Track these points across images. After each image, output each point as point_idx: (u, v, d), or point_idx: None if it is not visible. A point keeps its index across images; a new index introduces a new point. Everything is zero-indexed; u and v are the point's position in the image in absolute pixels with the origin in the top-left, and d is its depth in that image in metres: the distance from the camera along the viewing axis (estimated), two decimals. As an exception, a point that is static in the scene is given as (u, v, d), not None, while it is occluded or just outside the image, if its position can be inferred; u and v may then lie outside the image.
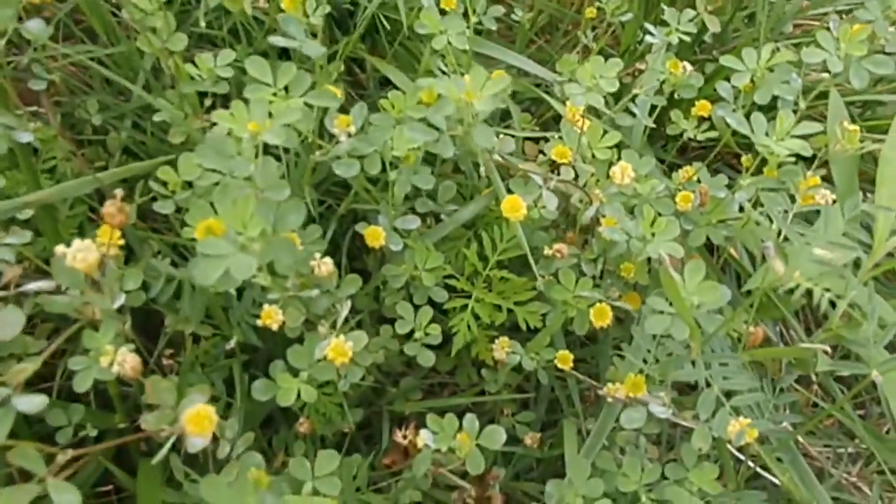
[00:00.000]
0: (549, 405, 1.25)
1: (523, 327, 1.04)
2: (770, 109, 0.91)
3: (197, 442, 0.63)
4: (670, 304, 0.76)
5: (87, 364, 0.71)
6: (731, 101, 0.98)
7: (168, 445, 0.67)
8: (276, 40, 0.75)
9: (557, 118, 1.32)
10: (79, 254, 0.60)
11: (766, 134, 0.84)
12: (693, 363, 0.80)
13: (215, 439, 0.80)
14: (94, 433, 0.91)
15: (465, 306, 1.03)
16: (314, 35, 0.81)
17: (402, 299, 1.02)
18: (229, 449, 0.79)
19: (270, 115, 0.65)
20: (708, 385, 0.81)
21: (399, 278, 1.00)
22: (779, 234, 0.82)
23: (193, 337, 1.01)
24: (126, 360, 0.71)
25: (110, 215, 0.75)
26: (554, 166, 1.02)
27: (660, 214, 0.88)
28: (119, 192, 0.77)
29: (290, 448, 1.09)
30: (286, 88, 0.71)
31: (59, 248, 0.61)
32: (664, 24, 1.13)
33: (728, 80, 0.98)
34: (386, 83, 1.28)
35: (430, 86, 0.75)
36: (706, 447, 0.83)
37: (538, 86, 1.26)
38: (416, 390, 1.22)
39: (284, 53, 1.23)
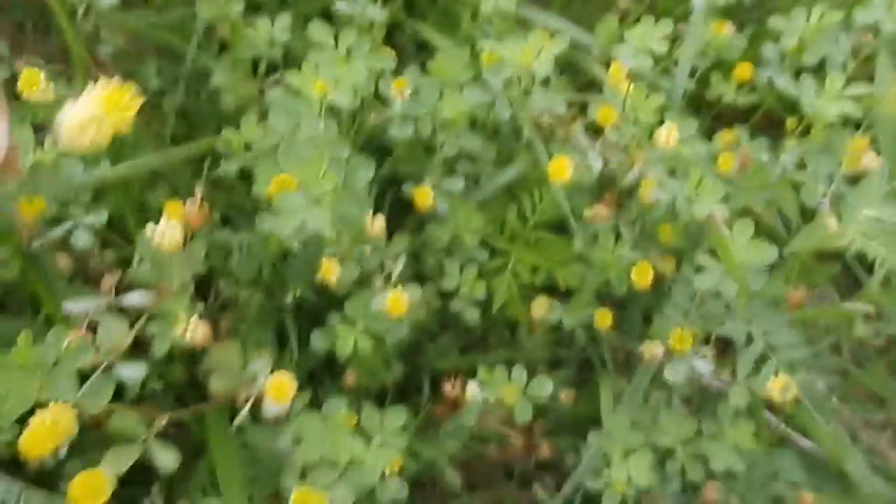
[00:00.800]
0: (579, 366, 1.28)
1: (562, 287, 1.07)
2: (814, 72, 0.92)
3: (275, 408, 0.68)
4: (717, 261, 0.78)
5: (164, 329, 0.75)
6: (777, 62, 0.99)
7: (246, 409, 0.71)
8: (341, 6, 0.77)
9: (592, 82, 1.34)
10: (165, 233, 0.63)
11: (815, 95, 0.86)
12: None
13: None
14: (159, 386, 0.95)
15: (505, 266, 1.06)
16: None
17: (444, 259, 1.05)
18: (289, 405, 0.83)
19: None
20: (751, 341, 0.83)
21: (442, 238, 1.03)
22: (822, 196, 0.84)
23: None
24: (197, 329, 0.74)
25: (192, 216, 0.78)
26: (592, 129, 1.04)
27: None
28: (199, 190, 0.80)
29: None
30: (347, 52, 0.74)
31: (149, 228, 0.64)
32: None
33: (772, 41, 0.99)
34: (424, 47, 1.30)
35: (492, 48, 0.77)
36: (743, 403, 0.86)
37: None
38: (451, 348, 1.25)
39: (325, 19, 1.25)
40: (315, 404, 1.11)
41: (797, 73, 0.90)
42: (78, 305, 0.70)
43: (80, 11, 0.76)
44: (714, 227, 0.74)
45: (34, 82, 0.76)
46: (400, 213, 1.19)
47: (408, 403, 1.22)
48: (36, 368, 0.54)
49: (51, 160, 0.80)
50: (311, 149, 0.67)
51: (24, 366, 0.50)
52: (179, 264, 0.69)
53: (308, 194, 0.60)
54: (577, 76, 1.37)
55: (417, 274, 1.13)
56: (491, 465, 1.24)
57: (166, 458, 0.69)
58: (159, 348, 0.75)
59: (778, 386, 0.80)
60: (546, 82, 0.81)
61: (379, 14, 0.80)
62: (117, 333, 0.67)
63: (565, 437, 1.22)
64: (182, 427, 1.01)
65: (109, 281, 0.73)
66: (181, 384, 1.06)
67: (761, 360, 0.84)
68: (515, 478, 1.22)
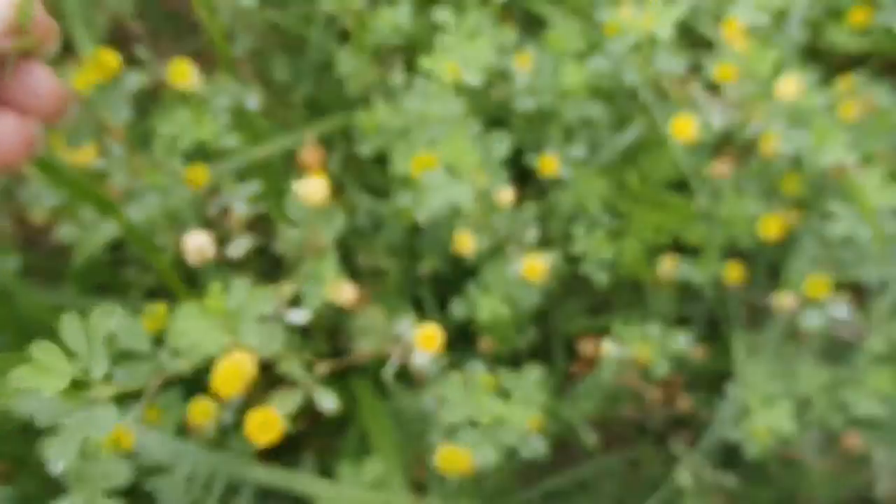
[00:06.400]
0: (705, 324, 1.29)
1: (687, 246, 1.09)
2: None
3: (424, 356, 0.73)
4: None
5: (314, 288, 0.80)
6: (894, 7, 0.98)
7: (395, 361, 0.76)
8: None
9: (701, 39, 1.34)
10: (313, 189, 0.68)
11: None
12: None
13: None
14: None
15: (629, 228, 1.08)
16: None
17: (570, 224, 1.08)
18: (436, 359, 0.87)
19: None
20: (885, 286, 0.84)
21: (566, 204, 1.06)
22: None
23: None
24: (345, 290, 0.80)
25: (310, 159, 0.84)
26: (707, 86, 1.04)
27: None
28: (311, 137, 0.86)
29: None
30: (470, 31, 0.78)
31: (296, 186, 0.68)
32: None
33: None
34: (535, 20, 1.33)
35: (614, 18, 0.79)
36: (883, 349, 0.86)
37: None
38: (579, 311, 1.28)
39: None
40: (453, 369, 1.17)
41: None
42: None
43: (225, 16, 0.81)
44: (845, 172, 0.75)
45: (184, 73, 0.83)
46: (521, 180, 1.22)
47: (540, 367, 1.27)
48: (224, 316, 0.58)
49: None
50: (444, 128, 0.72)
51: (215, 313, 0.55)
52: (326, 222, 0.74)
53: (450, 171, 0.64)
54: (686, 35, 1.37)
55: (543, 240, 1.17)
56: (625, 424, 1.27)
57: (328, 401, 0.72)
58: (311, 305, 0.79)
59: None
60: (667, 45, 0.82)
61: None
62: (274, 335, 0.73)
63: (697, 394, 1.24)
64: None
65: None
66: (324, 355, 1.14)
67: (896, 307, 0.85)
68: (649, 435, 1.25)
